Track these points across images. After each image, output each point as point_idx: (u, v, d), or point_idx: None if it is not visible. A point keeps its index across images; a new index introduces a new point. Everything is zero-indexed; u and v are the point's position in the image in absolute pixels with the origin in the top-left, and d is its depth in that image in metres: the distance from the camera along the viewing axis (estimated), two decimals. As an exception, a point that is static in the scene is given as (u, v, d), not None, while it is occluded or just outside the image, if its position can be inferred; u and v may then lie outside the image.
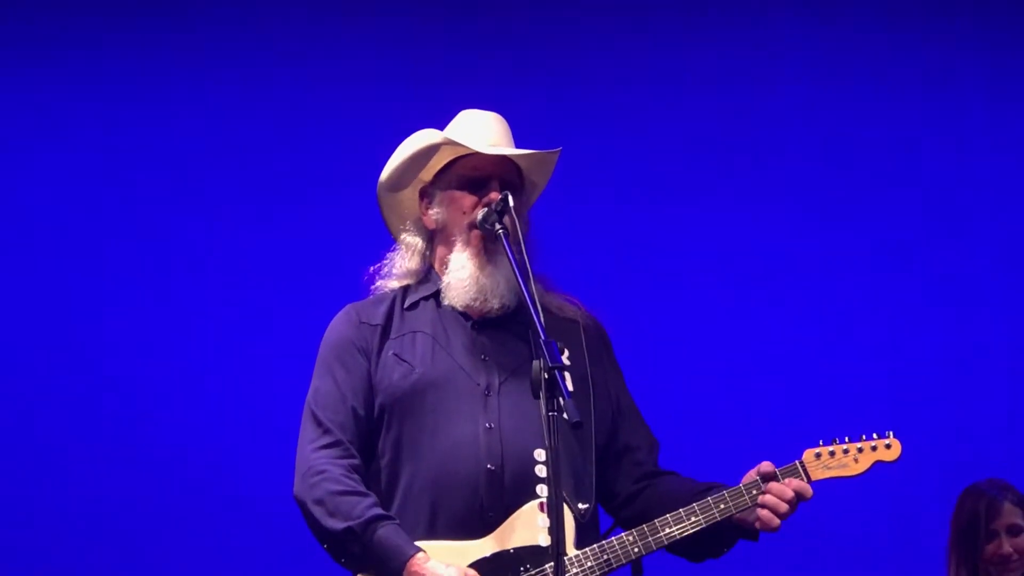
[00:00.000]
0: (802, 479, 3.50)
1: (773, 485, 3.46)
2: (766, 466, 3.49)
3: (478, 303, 3.57)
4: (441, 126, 3.71)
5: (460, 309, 3.59)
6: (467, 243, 3.59)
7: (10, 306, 5.46)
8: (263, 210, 5.53)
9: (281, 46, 5.62)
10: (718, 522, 3.47)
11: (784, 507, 3.44)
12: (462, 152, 3.61)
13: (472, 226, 3.57)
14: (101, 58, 5.56)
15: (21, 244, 5.48)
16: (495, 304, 3.56)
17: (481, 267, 3.56)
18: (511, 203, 3.46)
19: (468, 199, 3.59)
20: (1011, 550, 4.69)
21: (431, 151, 3.63)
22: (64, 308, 5.45)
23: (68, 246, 5.48)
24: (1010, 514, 4.72)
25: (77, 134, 5.54)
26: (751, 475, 3.51)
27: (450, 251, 3.61)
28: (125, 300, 5.47)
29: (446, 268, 3.61)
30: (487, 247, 3.56)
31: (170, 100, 5.55)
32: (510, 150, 3.64)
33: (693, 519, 3.44)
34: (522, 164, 3.66)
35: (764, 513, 3.45)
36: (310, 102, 5.58)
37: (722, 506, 3.46)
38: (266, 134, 5.55)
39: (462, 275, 3.56)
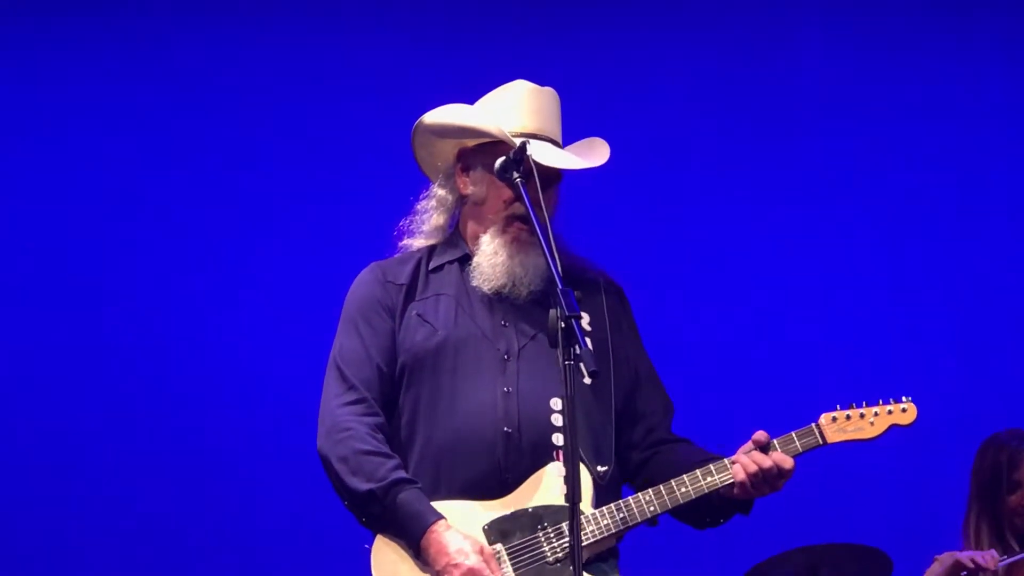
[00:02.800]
0: (818, 442, 3.52)
1: (754, 454, 3.44)
2: (760, 435, 3.49)
3: (507, 289, 3.58)
4: (475, 89, 3.71)
5: (488, 292, 3.60)
6: (503, 231, 3.59)
7: (11, 300, 5.51)
8: (285, 175, 5.57)
9: (316, 9, 5.65)
10: (719, 492, 3.48)
11: (753, 467, 3.42)
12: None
13: (512, 219, 3.57)
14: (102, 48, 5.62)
15: (24, 236, 5.54)
16: (523, 292, 3.58)
17: (512, 255, 3.57)
18: (528, 153, 3.43)
19: (509, 192, 3.57)
20: None
21: (486, 131, 3.61)
22: (81, 274, 5.52)
23: (68, 228, 5.54)
24: None
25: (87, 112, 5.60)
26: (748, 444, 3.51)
27: (482, 230, 3.62)
28: (146, 273, 5.53)
29: (477, 246, 3.62)
30: (521, 238, 3.56)
31: (200, 58, 5.60)
32: (560, 161, 3.60)
33: (709, 479, 3.46)
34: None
35: (735, 467, 3.43)
36: (335, 66, 5.60)
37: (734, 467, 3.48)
38: (291, 102, 5.59)
39: (495, 260, 3.58)
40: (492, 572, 3.35)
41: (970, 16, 5.71)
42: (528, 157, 3.43)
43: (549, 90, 3.70)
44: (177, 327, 5.48)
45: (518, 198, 3.44)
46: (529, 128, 3.62)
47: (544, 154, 3.54)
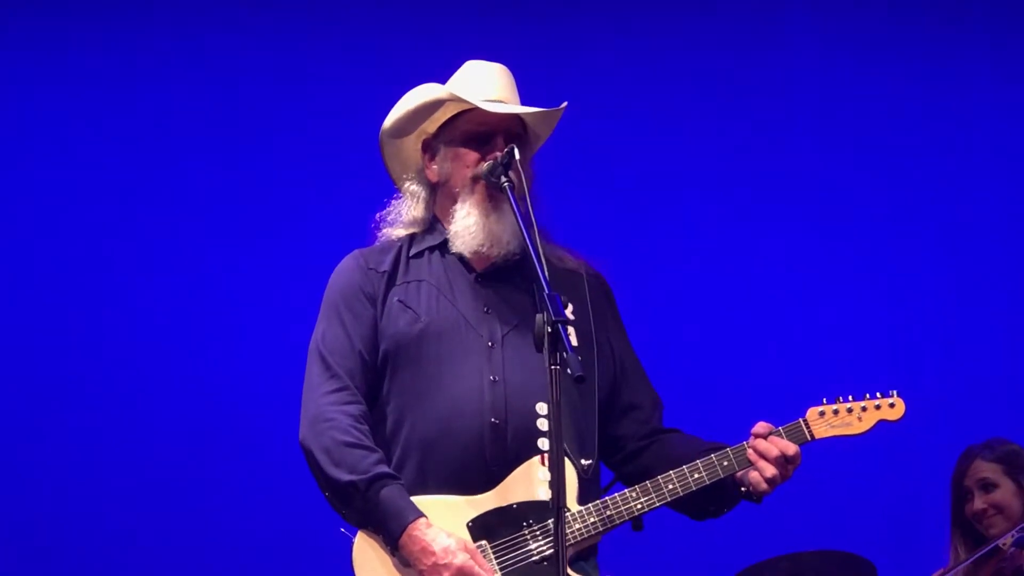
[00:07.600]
0: (805, 437, 3.47)
1: (758, 442, 3.41)
2: (761, 427, 3.45)
3: (486, 248, 3.54)
4: (446, 76, 3.69)
5: (468, 256, 3.57)
6: (471, 193, 3.56)
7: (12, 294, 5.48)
8: (265, 162, 5.56)
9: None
10: (721, 481, 3.44)
11: (771, 470, 3.39)
12: (467, 107, 3.58)
13: (476, 179, 3.55)
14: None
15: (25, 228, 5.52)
16: (503, 250, 3.54)
17: (487, 214, 3.54)
18: (516, 156, 3.44)
19: (472, 155, 3.57)
20: (984, 505, 4.64)
21: (435, 105, 3.61)
22: (67, 260, 5.49)
23: (61, 226, 5.52)
24: (980, 470, 4.66)
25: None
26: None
27: (454, 203, 3.58)
28: (128, 270, 5.50)
29: (452, 219, 3.58)
30: (491, 195, 3.53)
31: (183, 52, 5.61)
32: (514, 107, 3.61)
33: (696, 476, 3.41)
34: (527, 119, 3.64)
35: (753, 476, 3.41)
36: (313, 51, 5.61)
37: (725, 463, 3.43)
38: (270, 87, 5.59)
39: (468, 222, 3.54)
40: (483, 569, 3.29)
41: (960, 23, 5.74)
42: (516, 162, 3.43)
43: (499, 65, 3.69)
44: (159, 320, 5.46)
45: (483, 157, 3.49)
46: (489, 96, 3.59)
47: (499, 107, 3.56)
